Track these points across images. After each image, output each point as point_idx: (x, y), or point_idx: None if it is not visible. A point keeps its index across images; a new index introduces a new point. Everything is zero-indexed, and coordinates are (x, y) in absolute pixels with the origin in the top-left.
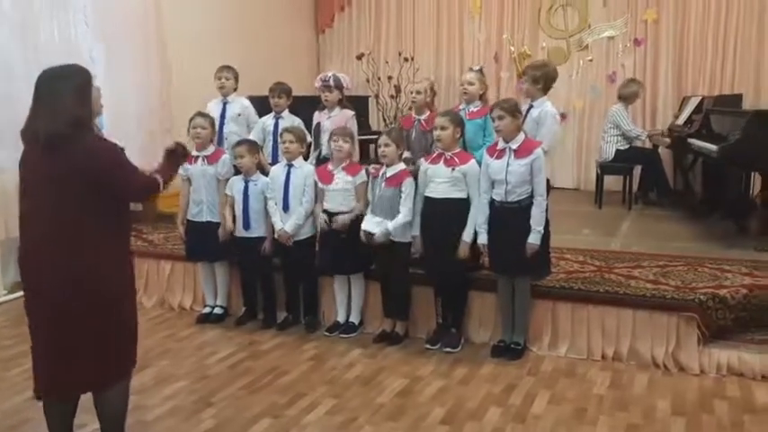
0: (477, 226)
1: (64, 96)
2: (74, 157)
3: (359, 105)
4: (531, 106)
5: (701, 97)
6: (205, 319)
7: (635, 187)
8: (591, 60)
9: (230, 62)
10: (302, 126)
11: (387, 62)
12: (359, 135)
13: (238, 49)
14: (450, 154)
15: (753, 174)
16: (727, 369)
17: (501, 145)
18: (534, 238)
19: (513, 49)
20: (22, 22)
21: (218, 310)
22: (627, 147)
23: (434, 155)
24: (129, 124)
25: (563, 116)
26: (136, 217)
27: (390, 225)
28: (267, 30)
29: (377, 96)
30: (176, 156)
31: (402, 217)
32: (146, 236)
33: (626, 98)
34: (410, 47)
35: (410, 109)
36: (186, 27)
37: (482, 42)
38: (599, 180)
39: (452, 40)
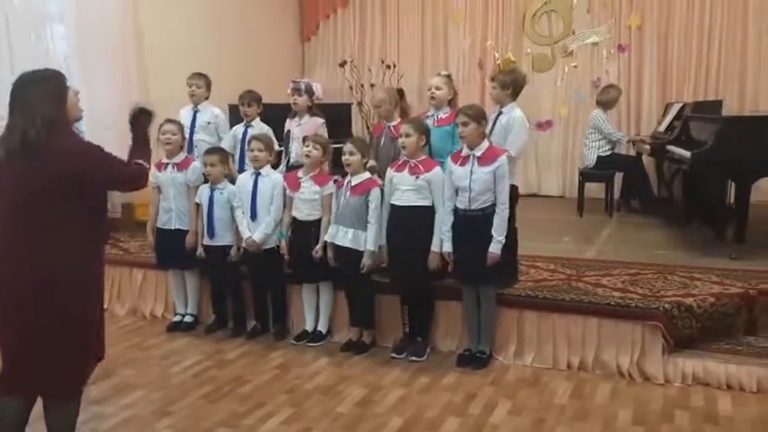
0: (441, 234)
1: (39, 100)
2: (51, 162)
3: (341, 113)
4: (500, 113)
5: (682, 104)
6: (175, 328)
7: (617, 194)
8: (576, 67)
9: (214, 70)
10: (271, 134)
11: (369, 70)
12: (341, 143)
13: (222, 57)
14: (414, 161)
15: (729, 181)
16: (692, 378)
17: (465, 152)
18: (495, 248)
19: (497, 55)
20: None
21: (188, 319)
22: (609, 153)
23: (400, 162)
24: (105, 134)
25: (548, 123)
26: (114, 225)
27: (370, 245)
28: (252, 38)
29: (360, 104)
30: (141, 123)
31: (373, 229)
32: (122, 244)
33: (604, 104)
34: (395, 54)
35: (380, 119)
36: (167, 36)
37: (466, 49)
38: (580, 187)
39: (437, 48)
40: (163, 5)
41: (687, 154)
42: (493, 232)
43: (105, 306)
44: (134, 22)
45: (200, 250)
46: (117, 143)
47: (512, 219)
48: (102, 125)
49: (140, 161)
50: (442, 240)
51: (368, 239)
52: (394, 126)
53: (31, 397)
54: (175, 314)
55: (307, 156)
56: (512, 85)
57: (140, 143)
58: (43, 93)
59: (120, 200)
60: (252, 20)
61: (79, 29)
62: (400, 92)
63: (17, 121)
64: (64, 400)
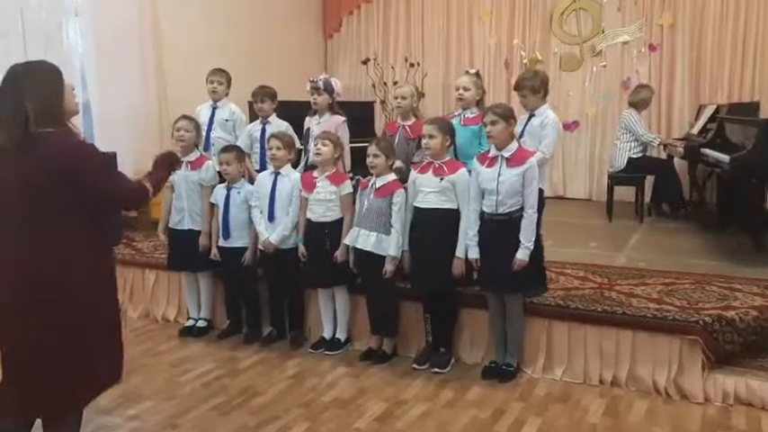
0: (466, 239)
1: (33, 93)
2: (46, 160)
3: (364, 111)
4: (532, 115)
5: (716, 105)
6: (188, 333)
7: (647, 198)
8: (605, 66)
9: (235, 67)
10: (290, 131)
11: (392, 67)
12: (364, 142)
13: (244, 54)
14: (438, 162)
15: None
16: (733, 398)
17: (493, 152)
18: (522, 254)
19: (524, 54)
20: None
21: (201, 323)
22: (640, 155)
23: (424, 164)
24: (119, 131)
25: (575, 123)
26: (130, 224)
27: (392, 251)
28: (275, 35)
29: (383, 102)
30: (167, 162)
31: (396, 233)
32: (136, 244)
33: (636, 105)
34: (419, 52)
35: (396, 116)
36: (186, 32)
37: (492, 47)
38: (610, 191)
39: (462, 46)
40: (182, 1)
41: (725, 158)
42: (521, 237)
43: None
44: (152, 18)
45: (214, 251)
46: (130, 141)
47: (538, 224)
48: (116, 122)
49: (145, 182)
50: (468, 246)
51: (390, 244)
52: (410, 126)
53: (27, 418)
54: (188, 318)
55: (317, 154)
56: (542, 87)
57: (157, 172)
58: (37, 85)
59: None
60: (274, 16)
61: (96, 24)
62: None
63: (7, 115)
64: (61, 419)
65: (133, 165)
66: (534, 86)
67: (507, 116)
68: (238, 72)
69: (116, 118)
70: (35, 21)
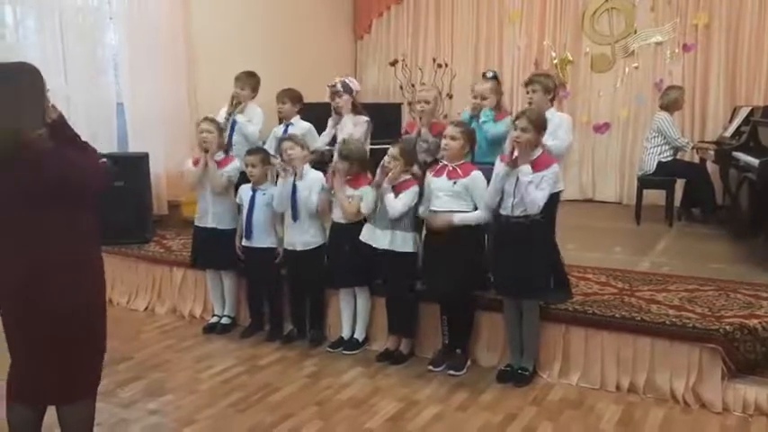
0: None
1: (18, 101)
2: (33, 166)
3: (391, 113)
4: None
5: (750, 108)
6: (211, 330)
7: (678, 202)
8: (637, 67)
9: (265, 69)
10: (313, 132)
11: (420, 69)
12: (388, 144)
13: (274, 56)
14: (453, 165)
15: None
16: (754, 407)
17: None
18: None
19: (554, 55)
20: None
21: (225, 320)
22: (670, 159)
23: (439, 167)
24: (153, 131)
25: (606, 125)
26: (161, 222)
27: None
28: (305, 36)
29: (410, 104)
30: None
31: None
32: (166, 241)
33: (668, 107)
34: (448, 53)
35: (420, 117)
36: (217, 34)
37: (522, 48)
38: (639, 194)
39: (491, 47)
40: (214, 3)
41: (755, 162)
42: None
43: (146, 305)
44: (184, 19)
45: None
46: (162, 140)
47: (551, 228)
48: (149, 122)
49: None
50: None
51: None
52: (429, 128)
53: (38, 403)
54: (212, 315)
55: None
56: (554, 89)
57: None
58: (21, 92)
59: (167, 197)
60: (305, 18)
61: (129, 25)
62: None
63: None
64: (74, 403)
65: (165, 163)
66: (548, 86)
67: (539, 126)
68: (268, 74)
69: (149, 118)
70: (71, 21)
